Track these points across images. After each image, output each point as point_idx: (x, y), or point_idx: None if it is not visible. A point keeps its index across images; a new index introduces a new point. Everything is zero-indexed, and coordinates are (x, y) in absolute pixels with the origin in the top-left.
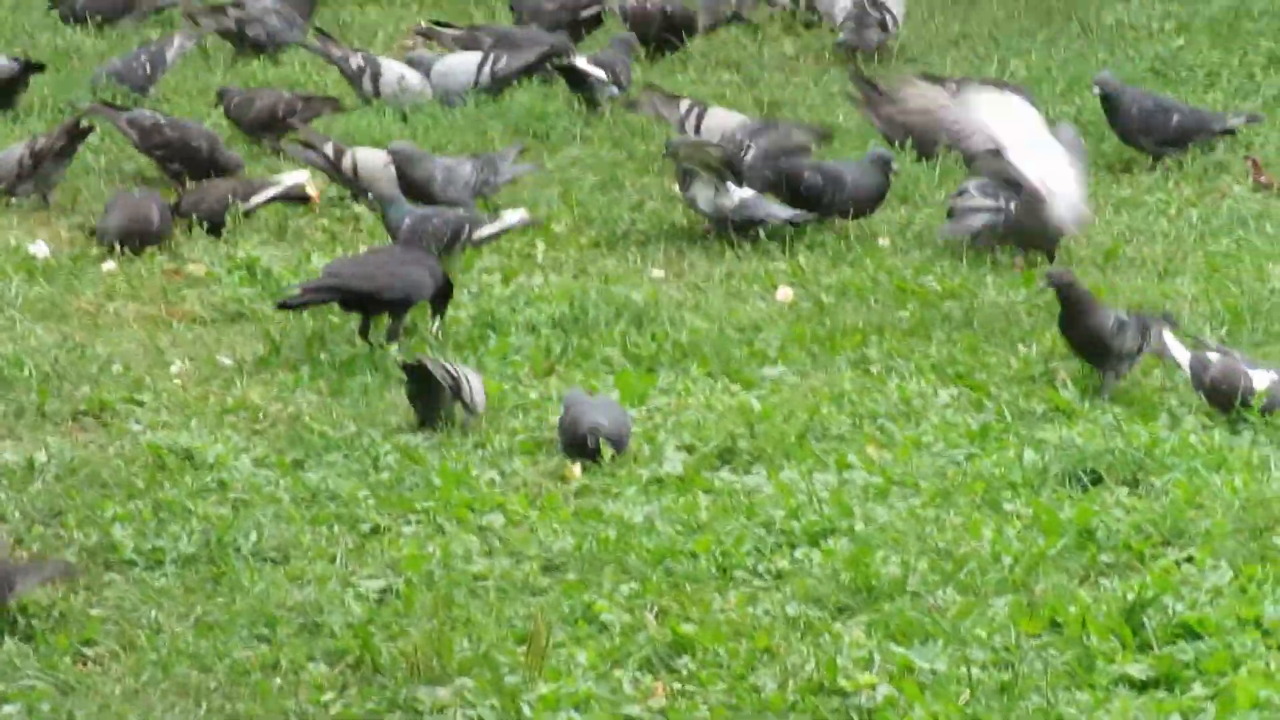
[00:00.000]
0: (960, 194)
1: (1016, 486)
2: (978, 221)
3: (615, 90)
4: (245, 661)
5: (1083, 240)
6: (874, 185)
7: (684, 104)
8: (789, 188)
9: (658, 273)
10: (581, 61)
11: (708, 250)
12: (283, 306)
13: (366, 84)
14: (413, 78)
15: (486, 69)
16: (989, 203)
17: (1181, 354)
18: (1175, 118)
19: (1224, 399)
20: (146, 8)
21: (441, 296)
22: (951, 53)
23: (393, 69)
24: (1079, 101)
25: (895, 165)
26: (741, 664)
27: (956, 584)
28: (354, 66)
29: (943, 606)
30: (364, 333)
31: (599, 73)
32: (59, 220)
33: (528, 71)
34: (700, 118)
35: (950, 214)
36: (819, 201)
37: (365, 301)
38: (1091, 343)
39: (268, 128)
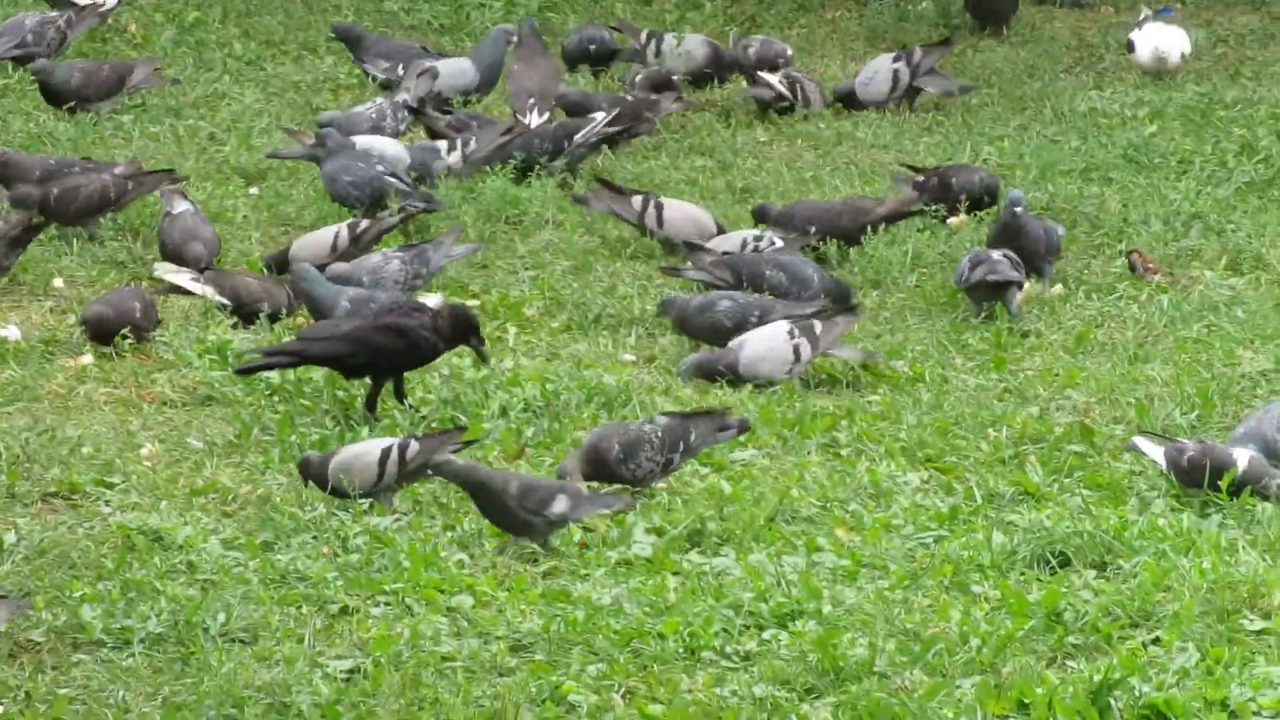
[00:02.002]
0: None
1: (985, 569)
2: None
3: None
4: None
5: (1054, 324)
6: (839, 285)
7: (636, 200)
8: (753, 285)
9: (628, 356)
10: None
11: (678, 335)
12: (241, 372)
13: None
14: (389, 149)
15: (457, 153)
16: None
17: (1155, 450)
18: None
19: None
20: (128, 90)
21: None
22: (925, 139)
23: (364, 144)
24: (1051, 188)
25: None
26: None
27: (924, 665)
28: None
29: (910, 687)
30: (370, 404)
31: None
32: (31, 303)
33: (500, 155)
34: (660, 211)
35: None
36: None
37: (335, 368)
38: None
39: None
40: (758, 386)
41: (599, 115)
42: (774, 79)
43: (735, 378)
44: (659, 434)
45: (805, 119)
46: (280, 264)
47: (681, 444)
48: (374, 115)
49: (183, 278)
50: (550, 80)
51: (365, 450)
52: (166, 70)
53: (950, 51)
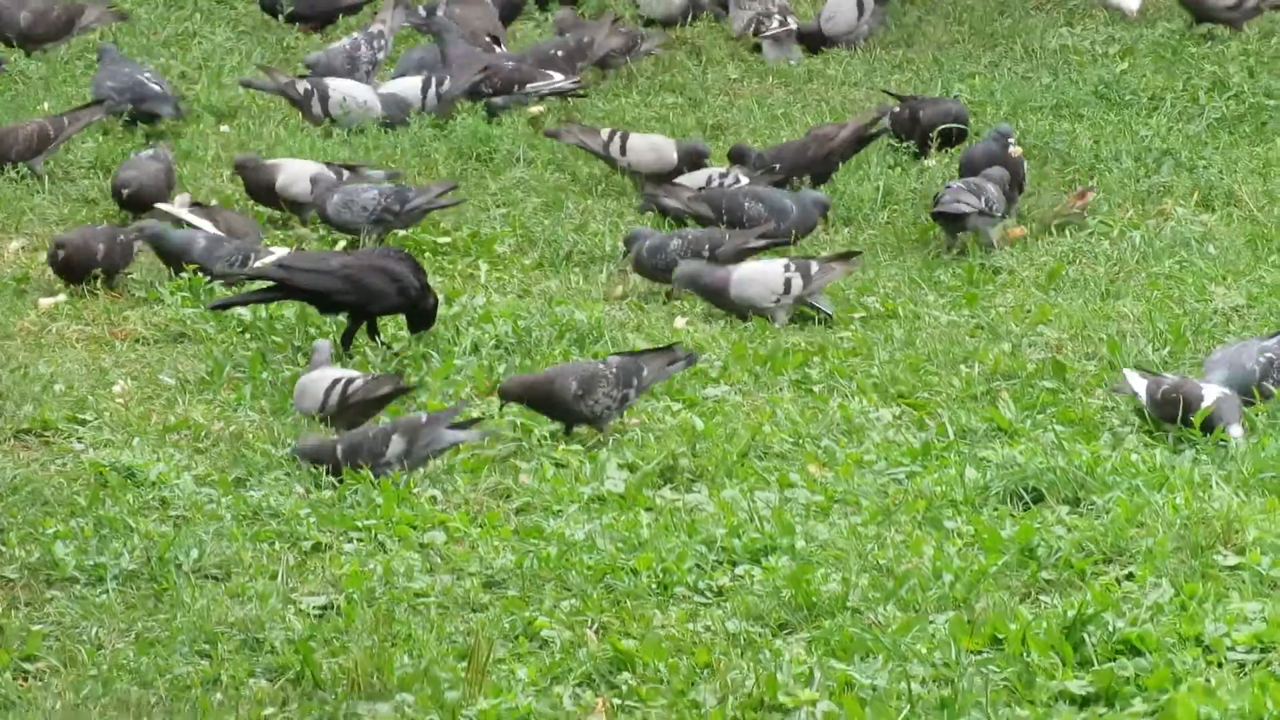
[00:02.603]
0: None
1: (958, 504)
2: None
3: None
4: (186, 677)
5: (1026, 260)
6: (813, 220)
7: (604, 132)
8: (731, 218)
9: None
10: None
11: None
12: (217, 307)
13: (316, 107)
14: (360, 94)
15: (431, 91)
16: None
17: (1138, 382)
18: None
19: (1172, 410)
20: (79, 29)
21: (420, 314)
22: (895, 76)
23: (339, 88)
24: (1023, 125)
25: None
26: (682, 680)
27: (897, 601)
28: (300, 91)
29: (883, 623)
30: (346, 341)
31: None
32: (3, 242)
33: (471, 93)
34: (624, 141)
35: None
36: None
37: (316, 302)
38: None
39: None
40: (733, 318)
41: (558, 76)
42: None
43: (723, 299)
44: (613, 371)
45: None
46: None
47: (635, 379)
48: (348, 47)
49: (182, 211)
50: (490, 19)
51: (318, 377)
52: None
53: None
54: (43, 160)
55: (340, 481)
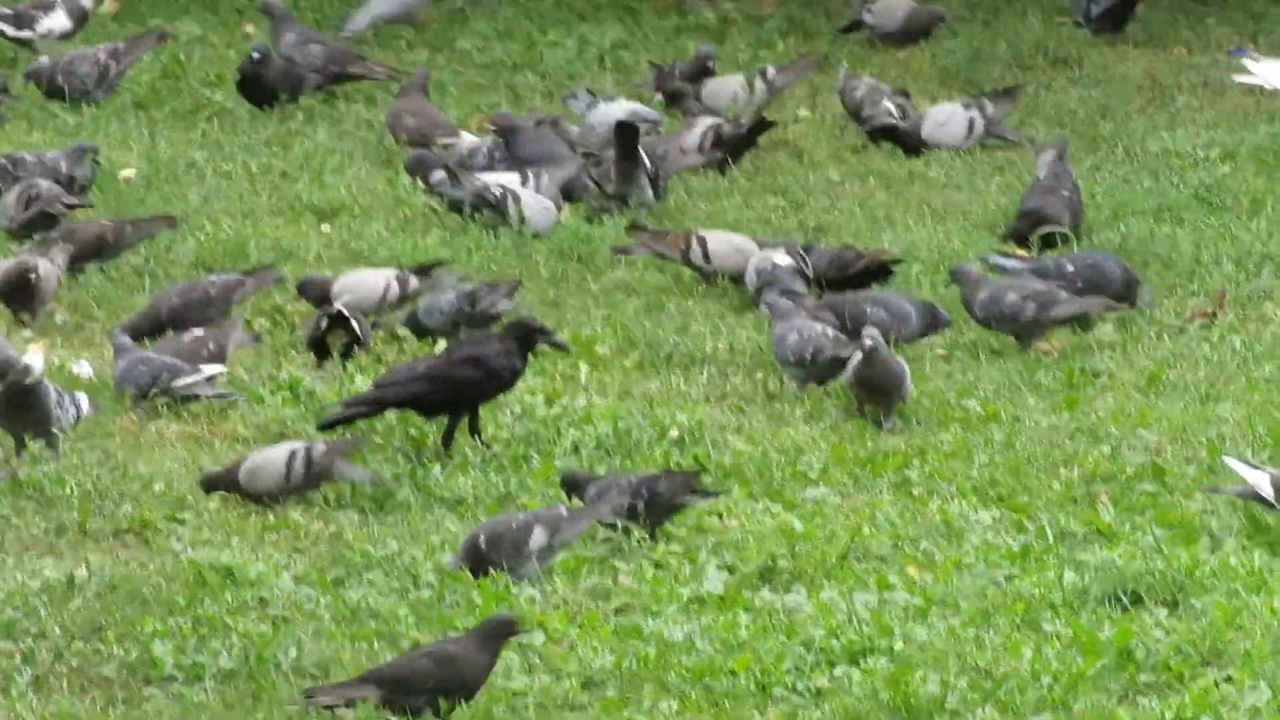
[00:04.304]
0: None
1: (1056, 607)
2: None
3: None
4: None
5: (1125, 364)
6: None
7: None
8: (855, 325)
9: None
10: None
11: (750, 372)
12: (324, 426)
13: (511, 210)
14: (545, 200)
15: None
16: None
17: (1256, 475)
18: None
19: None
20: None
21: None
22: (996, 178)
23: (527, 196)
24: (1124, 229)
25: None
26: None
27: (996, 703)
28: (495, 196)
29: None
30: (446, 440)
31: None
32: (104, 341)
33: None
34: (704, 245)
35: None
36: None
37: (416, 409)
38: None
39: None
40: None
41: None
42: (891, 106)
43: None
44: (629, 480)
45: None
46: (323, 299)
47: (647, 492)
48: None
49: None
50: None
51: (272, 454)
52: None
53: (1018, 100)
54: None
55: (483, 575)
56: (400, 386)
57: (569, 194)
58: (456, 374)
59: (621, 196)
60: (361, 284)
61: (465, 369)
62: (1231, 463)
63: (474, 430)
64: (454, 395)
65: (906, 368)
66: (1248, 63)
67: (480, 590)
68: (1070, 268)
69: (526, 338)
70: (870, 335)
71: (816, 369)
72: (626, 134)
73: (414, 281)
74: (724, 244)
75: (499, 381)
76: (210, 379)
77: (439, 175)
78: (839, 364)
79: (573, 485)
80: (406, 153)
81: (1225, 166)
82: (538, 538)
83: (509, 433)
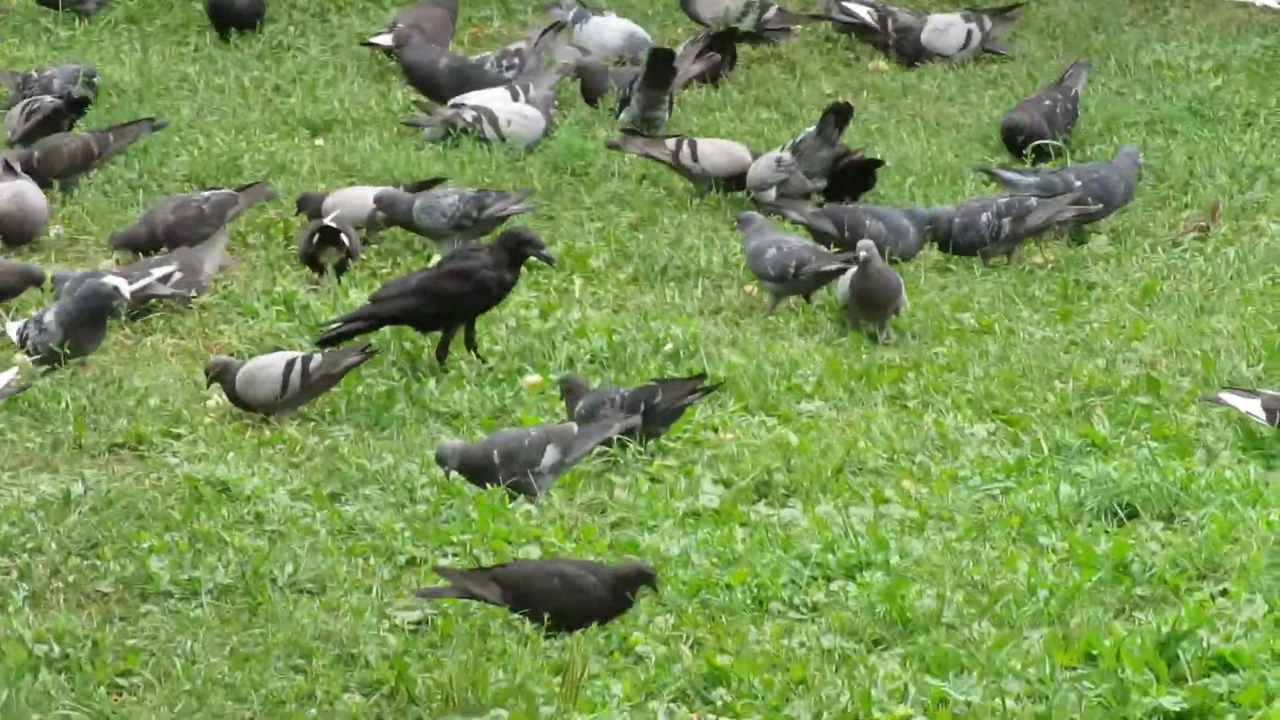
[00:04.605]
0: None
1: (1052, 521)
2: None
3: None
4: (281, 692)
5: (1120, 276)
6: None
7: (670, 141)
8: (854, 235)
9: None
10: None
11: (744, 286)
12: (321, 343)
13: (488, 130)
14: (528, 112)
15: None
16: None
17: (1248, 403)
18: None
19: None
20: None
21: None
22: (989, 91)
23: (505, 111)
24: (1116, 140)
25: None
26: (777, 696)
27: (992, 617)
28: (468, 119)
29: (978, 639)
30: (440, 353)
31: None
32: (98, 254)
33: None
34: (694, 148)
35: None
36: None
37: (409, 323)
38: None
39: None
40: (835, 330)
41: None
42: (861, 9)
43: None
44: (622, 394)
45: (869, 70)
46: (315, 214)
47: (644, 404)
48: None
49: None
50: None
51: (269, 362)
52: None
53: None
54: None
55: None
56: (393, 301)
57: (592, 93)
58: (445, 287)
59: (648, 122)
60: (350, 199)
61: (454, 282)
62: (1225, 398)
63: (470, 344)
64: (445, 308)
65: (901, 280)
66: None
67: (477, 504)
68: (1077, 181)
69: (516, 249)
70: (865, 247)
71: (798, 284)
72: (663, 63)
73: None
74: (712, 146)
75: (487, 294)
76: (164, 279)
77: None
78: (820, 279)
79: (571, 392)
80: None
81: (1218, 79)
82: (550, 455)
83: (504, 346)
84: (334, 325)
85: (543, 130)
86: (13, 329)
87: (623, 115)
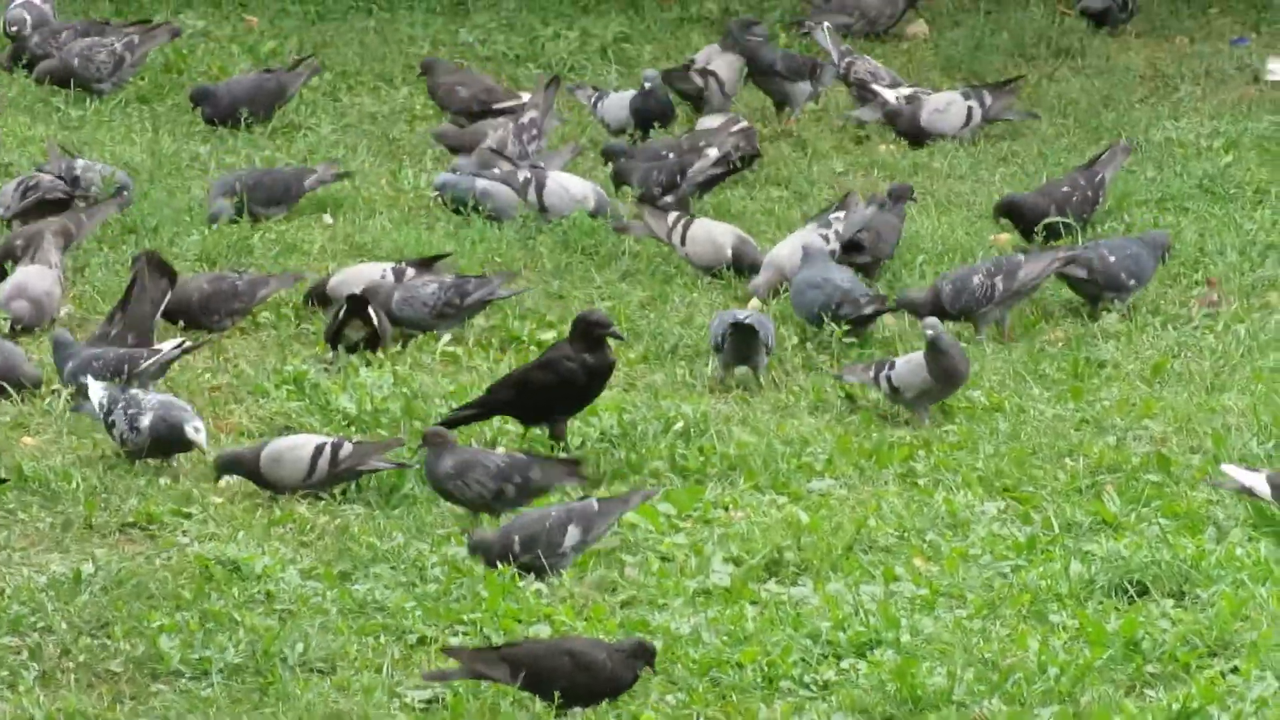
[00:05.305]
0: None
1: (1063, 598)
2: None
3: None
4: None
5: (1130, 354)
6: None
7: (670, 217)
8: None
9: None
10: None
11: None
12: (445, 425)
13: (531, 195)
14: (575, 186)
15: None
16: None
17: (1252, 478)
18: None
19: None
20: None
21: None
22: (1000, 169)
23: (555, 179)
24: (1127, 219)
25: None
26: None
27: (1003, 694)
28: (519, 180)
29: (989, 716)
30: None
31: None
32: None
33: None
34: (686, 228)
35: None
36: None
37: (511, 414)
38: None
39: None
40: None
41: (712, 151)
42: (890, 94)
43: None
44: (500, 462)
45: (880, 147)
46: (321, 297)
47: (518, 476)
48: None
49: None
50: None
51: (299, 444)
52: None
53: (1019, 92)
54: None
55: (517, 571)
56: (499, 391)
57: (622, 180)
58: (536, 378)
59: (681, 200)
60: (357, 276)
61: (543, 373)
62: (1229, 470)
63: (556, 435)
64: (538, 400)
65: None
66: (1273, 64)
67: (487, 584)
68: (1111, 257)
69: (587, 332)
70: (931, 325)
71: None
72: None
73: (410, 273)
74: (703, 230)
75: (574, 383)
76: (176, 346)
77: (443, 177)
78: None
79: (435, 445)
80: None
81: (1228, 156)
82: (572, 535)
83: (515, 425)
84: (454, 411)
85: (576, 205)
86: (97, 395)
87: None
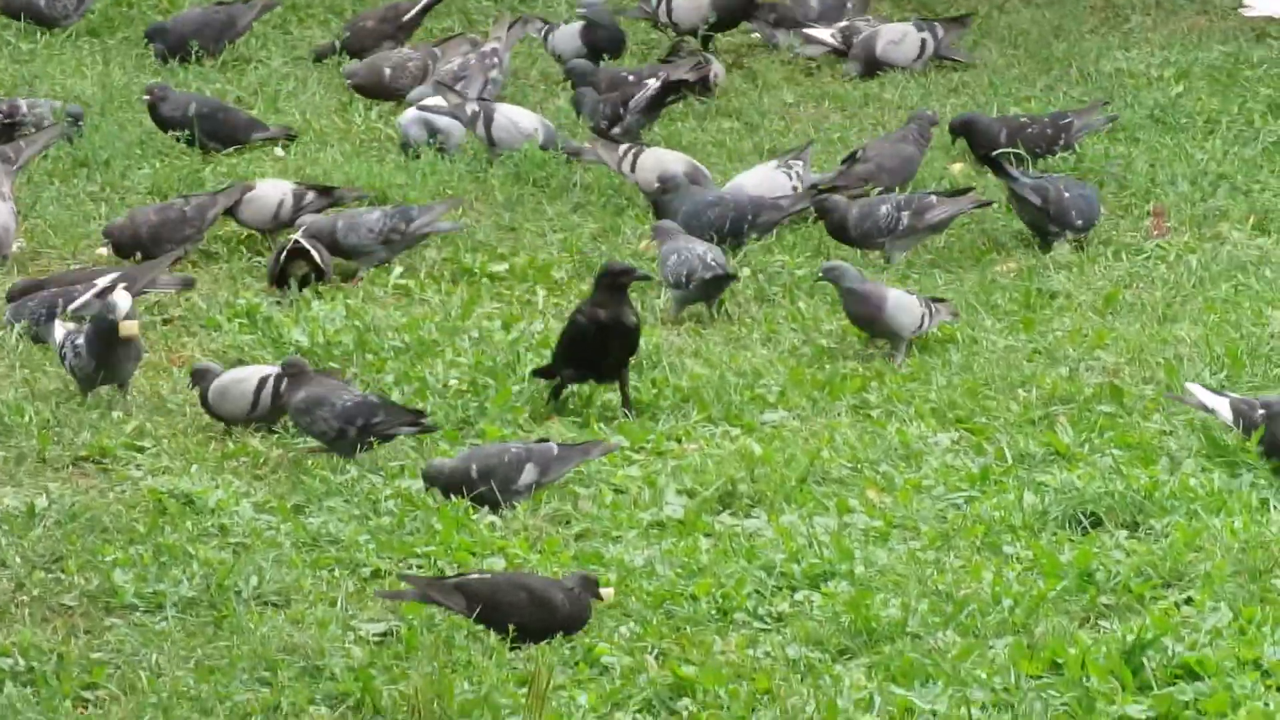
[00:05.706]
0: None
1: (1016, 529)
2: None
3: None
4: (246, 705)
5: (1082, 284)
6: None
7: (622, 148)
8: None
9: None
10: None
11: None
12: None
13: (480, 130)
14: (524, 120)
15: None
16: None
17: (1216, 400)
18: None
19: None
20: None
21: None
22: (951, 100)
23: (504, 113)
24: (1078, 149)
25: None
26: (742, 706)
27: (957, 626)
28: (467, 114)
29: (943, 648)
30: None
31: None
32: (59, 267)
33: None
34: (636, 157)
35: None
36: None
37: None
38: None
39: None
40: (795, 345)
41: (651, 82)
42: (825, 34)
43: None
44: (347, 401)
45: (832, 79)
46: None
47: (361, 420)
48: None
49: None
50: None
51: (243, 377)
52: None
53: (968, 28)
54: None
55: (476, 505)
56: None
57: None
58: (563, 333)
59: (628, 131)
60: (256, 198)
61: (568, 328)
62: (1193, 388)
63: (625, 401)
64: (566, 356)
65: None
66: None
67: (440, 516)
68: (1066, 193)
69: (609, 283)
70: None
71: (693, 291)
72: (670, 92)
73: (310, 196)
74: (652, 159)
75: (582, 338)
76: (103, 291)
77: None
78: (715, 284)
79: (294, 377)
80: None
81: (1179, 86)
82: (529, 473)
83: (467, 358)
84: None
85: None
86: (58, 333)
87: (615, 129)
